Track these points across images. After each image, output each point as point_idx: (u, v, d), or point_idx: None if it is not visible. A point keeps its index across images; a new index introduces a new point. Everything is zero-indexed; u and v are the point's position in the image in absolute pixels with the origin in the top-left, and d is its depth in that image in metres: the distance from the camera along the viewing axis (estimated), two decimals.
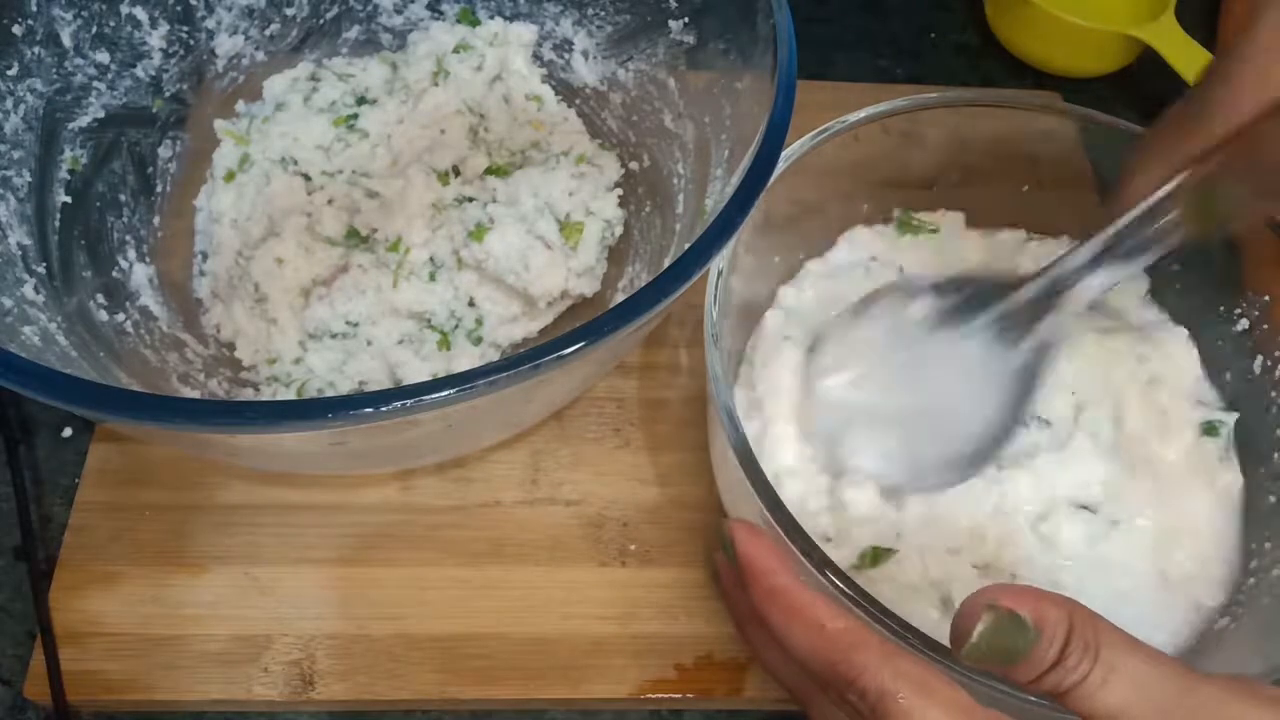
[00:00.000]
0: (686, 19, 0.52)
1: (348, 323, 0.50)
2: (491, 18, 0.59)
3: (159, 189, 0.54)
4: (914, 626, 0.34)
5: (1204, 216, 0.37)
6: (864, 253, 0.51)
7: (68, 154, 0.48)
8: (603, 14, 0.57)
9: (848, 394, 0.44)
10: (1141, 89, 0.64)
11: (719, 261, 0.42)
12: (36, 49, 0.46)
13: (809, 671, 0.33)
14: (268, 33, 0.58)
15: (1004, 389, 0.43)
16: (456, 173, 0.54)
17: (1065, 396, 0.46)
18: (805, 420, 0.45)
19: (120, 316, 0.48)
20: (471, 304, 0.51)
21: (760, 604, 0.35)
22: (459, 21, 0.59)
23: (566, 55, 0.59)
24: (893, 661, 0.31)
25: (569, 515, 0.49)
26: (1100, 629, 0.29)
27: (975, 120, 0.49)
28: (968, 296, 0.44)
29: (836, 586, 0.35)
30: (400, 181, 0.52)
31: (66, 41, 0.48)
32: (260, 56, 0.58)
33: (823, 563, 0.35)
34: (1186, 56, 0.64)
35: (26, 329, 0.40)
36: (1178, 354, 0.48)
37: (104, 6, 0.50)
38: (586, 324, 0.33)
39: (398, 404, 0.31)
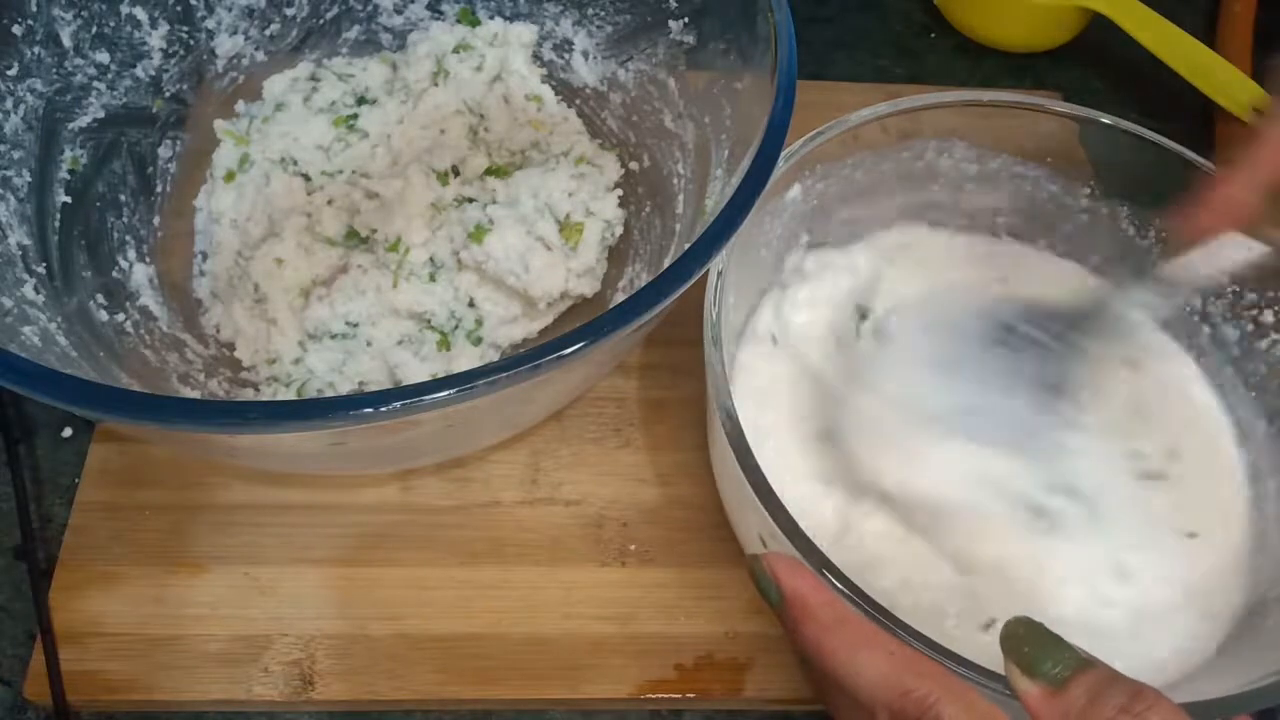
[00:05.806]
0: (686, 19, 0.52)
1: (347, 323, 0.50)
2: (491, 18, 0.59)
3: (159, 189, 0.54)
4: (944, 646, 0.34)
5: None
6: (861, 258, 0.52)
7: (68, 154, 0.48)
8: (603, 14, 0.57)
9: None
10: (1102, 57, 0.66)
11: (719, 261, 0.42)
12: (36, 49, 0.46)
13: (873, 701, 0.31)
14: (268, 33, 0.58)
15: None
16: (456, 173, 0.54)
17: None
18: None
19: (120, 316, 0.48)
20: (471, 304, 0.51)
21: (819, 638, 0.32)
22: (459, 21, 0.59)
23: (566, 55, 0.59)
24: (963, 695, 0.30)
25: (569, 515, 0.49)
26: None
27: (975, 120, 0.49)
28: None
29: (845, 594, 0.35)
30: (400, 182, 0.52)
31: (66, 41, 0.48)
32: (260, 56, 0.58)
33: (827, 566, 0.35)
34: (1139, 21, 0.64)
35: (26, 329, 0.40)
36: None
37: (104, 6, 0.50)
38: (586, 324, 0.33)
39: (398, 404, 0.31)
